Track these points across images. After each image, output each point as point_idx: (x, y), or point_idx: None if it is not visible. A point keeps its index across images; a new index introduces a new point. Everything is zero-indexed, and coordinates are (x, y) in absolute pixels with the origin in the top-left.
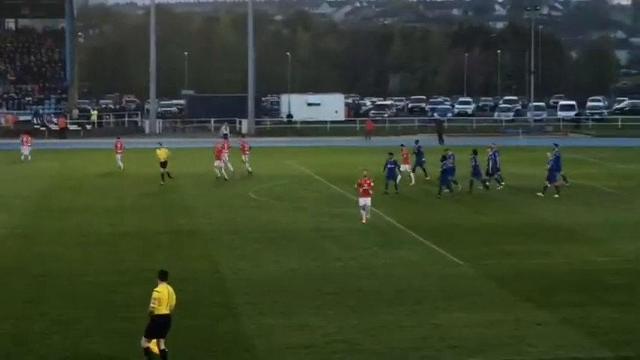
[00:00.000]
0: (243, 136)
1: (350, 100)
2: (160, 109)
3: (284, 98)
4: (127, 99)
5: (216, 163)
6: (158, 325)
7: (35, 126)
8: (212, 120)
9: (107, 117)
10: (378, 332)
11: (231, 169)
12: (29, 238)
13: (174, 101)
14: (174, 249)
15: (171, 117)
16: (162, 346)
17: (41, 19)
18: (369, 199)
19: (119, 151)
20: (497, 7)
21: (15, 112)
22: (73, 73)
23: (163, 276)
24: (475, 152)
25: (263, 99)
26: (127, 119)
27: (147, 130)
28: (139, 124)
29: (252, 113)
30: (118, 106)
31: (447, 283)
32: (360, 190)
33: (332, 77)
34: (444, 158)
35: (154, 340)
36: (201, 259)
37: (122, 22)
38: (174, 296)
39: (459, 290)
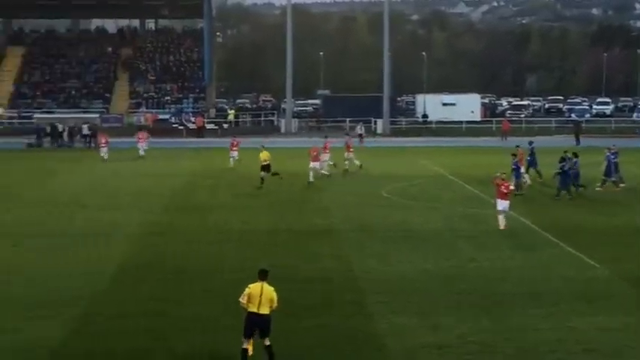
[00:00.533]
0: (347, 134)
1: (486, 100)
2: (295, 109)
3: (419, 98)
4: (264, 98)
5: (312, 164)
6: (248, 323)
7: (174, 125)
8: (347, 120)
9: (244, 116)
10: (512, 334)
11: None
12: (167, 235)
13: (310, 101)
14: (306, 247)
15: (306, 116)
16: (267, 344)
17: (180, 19)
18: (508, 202)
19: (234, 149)
20: (637, 5)
21: (154, 110)
22: (211, 73)
23: (261, 275)
24: (576, 155)
25: (398, 99)
26: (263, 118)
27: (282, 130)
28: (275, 123)
29: (387, 113)
30: (254, 106)
31: (583, 285)
32: (498, 191)
33: (468, 77)
34: (562, 160)
35: (251, 341)
36: (333, 258)
37: (259, 22)
38: (271, 297)
39: (595, 293)
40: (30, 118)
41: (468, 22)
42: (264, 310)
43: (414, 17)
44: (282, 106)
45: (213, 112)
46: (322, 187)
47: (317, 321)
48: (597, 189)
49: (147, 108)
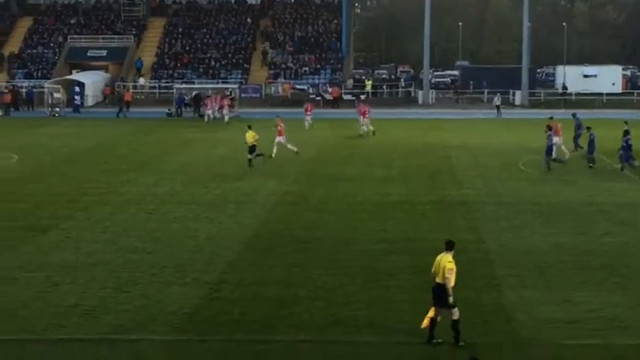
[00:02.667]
0: (361, 101)
1: (627, 73)
2: (433, 80)
3: (559, 70)
4: (402, 69)
5: (277, 139)
6: (433, 294)
7: (311, 95)
8: (485, 91)
9: (381, 87)
10: None
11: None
12: (298, 204)
13: (448, 72)
14: (439, 219)
15: (444, 87)
16: (454, 317)
17: None
18: None
19: (308, 113)
20: None
21: (292, 81)
22: (348, 44)
23: (446, 245)
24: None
25: (538, 70)
26: (400, 89)
27: (420, 101)
28: (412, 94)
29: (525, 85)
30: (392, 77)
31: None
32: None
33: (610, 49)
34: (626, 133)
35: (432, 309)
36: (466, 230)
37: None
38: (443, 266)
39: None
40: (170, 88)
41: None
42: (441, 280)
43: None
44: (420, 76)
45: (350, 82)
46: (457, 159)
47: None
48: None
49: (285, 79)
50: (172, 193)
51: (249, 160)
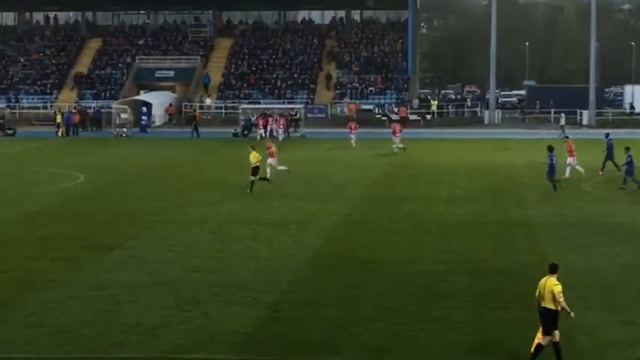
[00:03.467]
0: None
1: None
2: (500, 100)
3: (627, 89)
4: (469, 89)
5: (269, 161)
6: (540, 319)
7: (377, 115)
8: (552, 111)
9: (447, 107)
10: None
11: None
12: (361, 225)
13: (515, 92)
14: (502, 240)
15: (510, 107)
16: (555, 340)
17: (385, 10)
18: None
19: (353, 132)
20: None
21: (358, 101)
22: (414, 64)
23: (550, 269)
24: (628, 148)
25: (606, 90)
26: (466, 109)
27: (486, 121)
28: (479, 114)
29: (593, 104)
30: (458, 96)
31: None
32: None
33: None
34: (628, 149)
35: (538, 334)
36: (529, 251)
37: (465, 12)
38: (551, 290)
39: None
40: (236, 108)
41: None
42: (547, 304)
43: (626, 6)
44: (487, 96)
45: (416, 102)
46: (524, 179)
47: (509, 314)
48: None
49: (350, 99)
50: (236, 213)
51: (252, 182)
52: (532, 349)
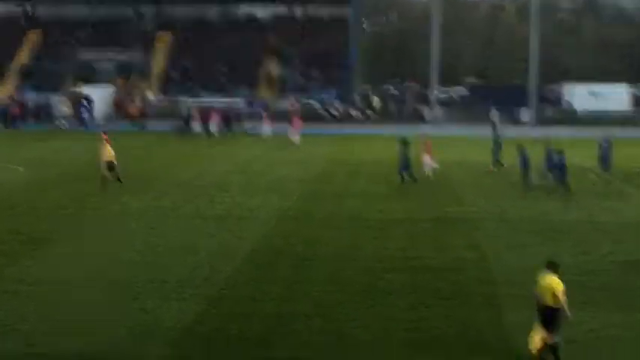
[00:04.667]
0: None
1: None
2: (440, 96)
3: (566, 88)
4: (409, 85)
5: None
6: (542, 317)
7: (319, 112)
8: (492, 108)
9: (388, 103)
10: None
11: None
12: (300, 220)
13: (457, 87)
14: (440, 237)
15: (451, 104)
16: (551, 340)
17: (327, 6)
18: None
19: (296, 128)
20: None
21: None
22: (356, 60)
23: (550, 266)
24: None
25: (548, 88)
26: (408, 106)
27: (427, 118)
28: (420, 111)
29: (533, 102)
30: (399, 93)
31: None
32: None
33: (617, 67)
34: (560, 152)
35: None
36: (467, 248)
37: (408, 9)
38: (549, 287)
39: None
40: (177, 102)
41: (619, 11)
42: (549, 302)
43: (566, 5)
44: (428, 93)
45: (357, 98)
46: (460, 176)
47: (447, 311)
48: None
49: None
50: (175, 208)
51: (112, 178)
52: (536, 352)
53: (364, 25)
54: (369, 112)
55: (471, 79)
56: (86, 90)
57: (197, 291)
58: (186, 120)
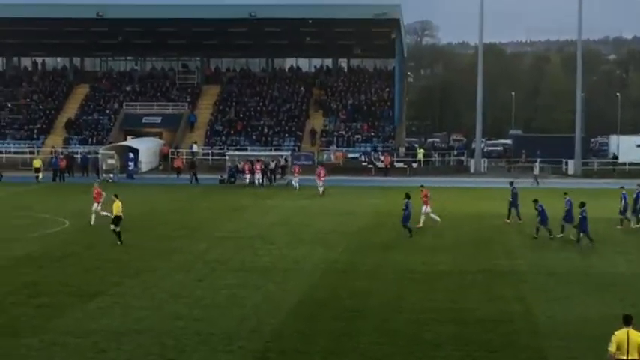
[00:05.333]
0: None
1: None
2: (486, 149)
3: (612, 139)
4: (455, 138)
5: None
6: None
7: (363, 164)
8: (538, 160)
9: (434, 155)
10: None
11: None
12: (347, 273)
13: (502, 141)
14: (487, 289)
15: (496, 156)
16: None
17: (373, 59)
18: None
19: (321, 179)
20: None
21: (344, 149)
22: (401, 112)
23: (626, 320)
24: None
25: (591, 140)
26: (452, 158)
27: (472, 170)
28: (465, 163)
29: (578, 154)
30: (444, 145)
31: None
32: None
33: None
34: (582, 205)
35: None
36: (514, 300)
37: (453, 62)
38: (635, 342)
39: None
40: (223, 155)
41: None
42: (633, 356)
43: (611, 57)
44: (473, 145)
45: (402, 150)
46: (506, 228)
47: None
48: None
49: (337, 146)
50: (221, 260)
51: (117, 233)
52: None
53: (409, 78)
54: (414, 164)
55: (516, 131)
56: (132, 142)
57: (243, 343)
58: (232, 172)
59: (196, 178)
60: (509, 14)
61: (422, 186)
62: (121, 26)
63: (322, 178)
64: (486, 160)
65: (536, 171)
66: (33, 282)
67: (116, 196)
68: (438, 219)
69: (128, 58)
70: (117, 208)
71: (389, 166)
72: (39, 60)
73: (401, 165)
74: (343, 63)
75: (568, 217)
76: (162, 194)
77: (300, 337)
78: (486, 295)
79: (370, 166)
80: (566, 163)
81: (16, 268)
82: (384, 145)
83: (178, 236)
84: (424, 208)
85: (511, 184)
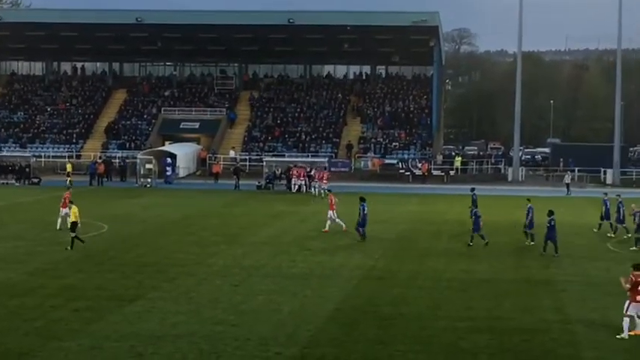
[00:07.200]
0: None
1: None
2: (523, 157)
3: None
4: (492, 146)
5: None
6: None
7: (400, 170)
8: (576, 169)
9: (471, 163)
10: None
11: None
12: (384, 280)
13: (539, 149)
14: (525, 298)
15: (534, 165)
16: None
17: (410, 66)
18: None
19: (324, 182)
20: None
21: (381, 156)
22: (439, 120)
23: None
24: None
25: (630, 149)
26: (489, 166)
27: (509, 178)
28: (502, 171)
29: (617, 163)
30: (482, 153)
31: None
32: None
33: None
34: (550, 214)
35: None
36: (551, 310)
37: (491, 69)
38: None
39: None
40: (260, 161)
41: None
42: None
43: None
44: (510, 153)
45: (440, 158)
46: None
47: None
48: None
49: (374, 153)
50: (258, 266)
51: (72, 239)
52: None
53: (447, 85)
54: (451, 171)
55: (555, 140)
56: (170, 148)
57: (280, 349)
58: (269, 178)
59: (238, 184)
60: (548, 22)
61: (329, 190)
62: (160, 32)
63: (325, 182)
64: (524, 168)
65: (568, 179)
66: (72, 286)
67: (71, 202)
68: (342, 223)
69: (167, 63)
70: (74, 214)
71: (426, 174)
72: (78, 65)
73: (438, 172)
74: (381, 70)
75: (531, 225)
76: (200, 200)
77: (336, 343)
78: (523, 305)
79: (407, 173)
80: (605, 172)
81: (54, 272)
82: (421, 152)
83: (216, 241)
84: (330, 212)
85: (472, 189)
